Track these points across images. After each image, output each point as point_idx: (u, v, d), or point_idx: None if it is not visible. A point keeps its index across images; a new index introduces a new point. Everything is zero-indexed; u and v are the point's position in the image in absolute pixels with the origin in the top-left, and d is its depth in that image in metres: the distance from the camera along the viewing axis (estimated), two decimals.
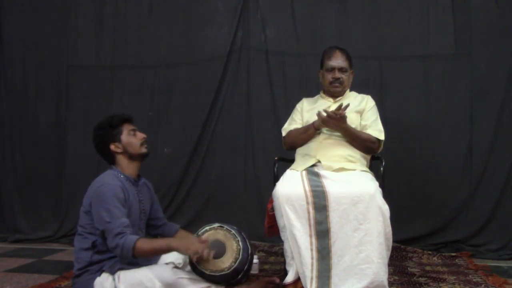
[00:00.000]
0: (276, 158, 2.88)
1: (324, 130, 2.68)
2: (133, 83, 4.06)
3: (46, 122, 4.15)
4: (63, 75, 4.14)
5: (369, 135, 2.67)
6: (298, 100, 2.99)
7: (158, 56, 4.03)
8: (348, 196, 2.31)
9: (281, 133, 3.74)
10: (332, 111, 2.51)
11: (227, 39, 3.89)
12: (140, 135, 2.43)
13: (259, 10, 3.86)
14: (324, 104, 2.80)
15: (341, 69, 2.77)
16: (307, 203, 2.35)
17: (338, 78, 2.77)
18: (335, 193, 2.34)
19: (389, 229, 2.30)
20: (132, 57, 4.07)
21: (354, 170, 2.52)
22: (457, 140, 3.55)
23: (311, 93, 3.03)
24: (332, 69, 2.77)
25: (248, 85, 3.89)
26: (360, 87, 3.00)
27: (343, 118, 2.52)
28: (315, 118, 2.64)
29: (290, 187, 2.41)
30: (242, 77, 3.90)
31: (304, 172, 2.49)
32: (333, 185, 2.38)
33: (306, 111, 2.84)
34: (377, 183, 2.44)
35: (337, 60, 2.77)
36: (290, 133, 2.81)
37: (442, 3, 3.59)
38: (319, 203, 2.33)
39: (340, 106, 2.52)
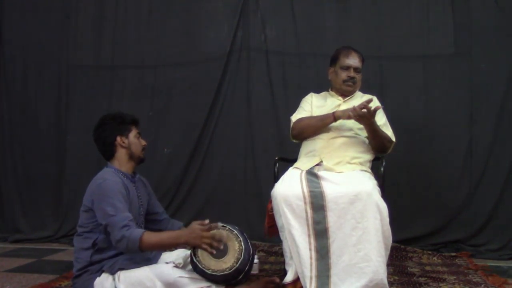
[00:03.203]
0: (276, 158, 2.88)
1: (333, 128, 2.67)
2: (133, 83, 4.07)
3: (46, 122, 4.15)
4: (63, 75, 4.14)
5: (387, 134, 2.69)
6: (298, 100, 2.98)
7: (158, 56, 4.03)
8: (346, 195, 2.31)
9: (281, 133, 3.77)
10: (366, 102, 2.51)
11: (227, 39, 3.89)
12: (143, 141, 2.47)
13: (259, 10, 3.86)
14: (334, 103, 2.80)
15: (356, 69, 2.79)
16: (305, 203, 2.35)
17: (353, 77, 2.78)
18: (332, 193, 2.34)
19: (387, 227, 2.28)
20: (132, 57, 4.07)
21: (354, 170, 2.52)
22: (457, 140, 3.56)
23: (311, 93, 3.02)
24: (348, 68, 2.78)
25: (248, 85, 3.89)
26: (360, 87, 3.00)
27: (375, 112, 2.51)
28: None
29: (288, 187, 2.41)
30: (242, 77, 3.90)
31: (303, 173, 2.49)
32: (331, 186, 2.38)
33: (316, 107, 2.82)
34: (375, 182, 2.44)
35: (354, 60, 2.78)
36: (302, 119, 2.76)
37: (442, 3, 3.60)
38: (317, 203, 2.34)
39: (369, 101, 2.51)
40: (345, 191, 2.32)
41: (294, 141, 2.87)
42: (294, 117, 2.81)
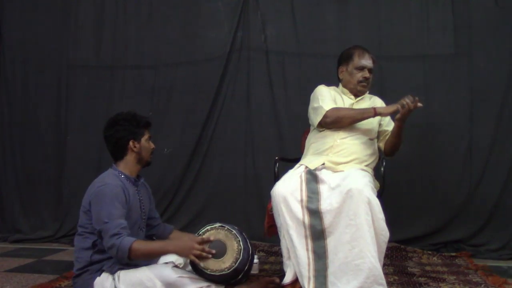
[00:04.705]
0: (276, 158, 2.88)
1: (343, 129, 2.68)
2: (133, 83, 4.07)
3: (46, 122, 4.15)
4: (63, 75, 4.14)
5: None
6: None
7: (158, 56, 4.03)
8: (339, 195, 2.32)
9: (281, 133, 3.78)
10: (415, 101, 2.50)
11: (227, 39, 3.89)
12: (152, 145, 2.46)
13: (259, 10, 3.86)
14: (347, 101, 2.80)
15: (370, 70, 2.80)
16: (302, 207, 2.36)
17: (368, 78, 2.80)
18: (328, 196, 2.35)
19: (378, 222, 2.26)
20: (132, 57, 4.07)
21: (350, 169, 2.53)
22: (457, 140, 3.55)
23: (311, 93, 3.02)
24: (363, 69, 2.78)
25: (248, 85, 3.89)
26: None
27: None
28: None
29: (288, 188, 2.41)
30: (242, 77, 3.90)
31: (303, 174, 2.49)
32: (327, 189, 2.39)
33: (334, 97, 2.80)
34: (369, 179, 2.44)
35: (369, 60, 2.79)
36: (340, 109, 2.70)
37: (442, 3, 3.60)
38: (313, 208, 2.35)
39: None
40: (339, 191, 2.33)
41: (319, 129, 2.77)
42: (325, 105, 2.71)
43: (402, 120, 2.57)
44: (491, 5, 3.52)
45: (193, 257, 2.19)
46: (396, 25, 3.67)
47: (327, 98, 2.75)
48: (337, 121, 2.67)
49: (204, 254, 2.20)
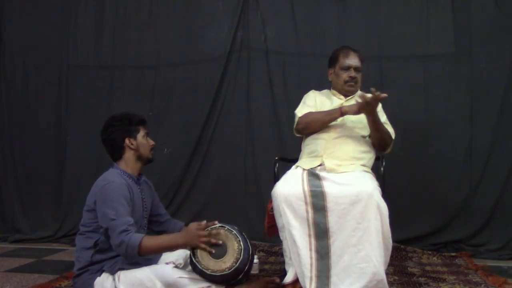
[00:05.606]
0: (276, 158, 2.88)
1: (335, 128, 2.67)
2: (133, 83, 4.07)
3: (46, 122, 4.15)
4: (63, 75, 4.15)
5: (388, 130, 2.69)
6: (298, 100, 2.97)
7: (158, 56, 4.03)
8: (347, 196, 2.31)
9: (281, 133, 3.77)
10: (374, 93, 2.46)
11: (227, 39, 3.89)
12: (151, 141, 2.46)
13: (259, 10, 3.86)
14: (336, 102, 2.80)
15: (356, 69, 2.79)
16: (306, 203, 2.35)
17: (354, 77, 2.78)
18: (333, 194, 2.34)
19: (387, 227, 2.27)
20: (132, 57, 4.07)
21: (354, 171, 2.52)
22: (457, 140, 3.56)
23: None
24: (349, 68, 2.78)
25: (248, 85, 3.89)
26: (360, 87, 2.99)
27: (380, 99, 2.48)
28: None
29: (289, 187, 2.40)
30: (242, 77, 3.90)
31: (304, 173, 2.49)
32: (332, 186, 2.38)
33: (320, 103, 2.81)
34: (376, 182, 2.44)
35: (354, 59, 2.78)
36: (308, 114, 2.72)
37: (442, 3, 3.60)
38: (318, 203, 2.33)
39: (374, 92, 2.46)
40: (346, 192, 2.32)
41: (298, 135, 2.84)
42: (299, 112, 2.76)
43: (367, 113, 2.54)
44: (491, 5, 3.53)
45: (203, 245, 2.19)
46: (396, 25, 3.68)
47: (306, 105, 2.78)
48: (308, 127, 2.71)
49: (213, 240, 2.21)
